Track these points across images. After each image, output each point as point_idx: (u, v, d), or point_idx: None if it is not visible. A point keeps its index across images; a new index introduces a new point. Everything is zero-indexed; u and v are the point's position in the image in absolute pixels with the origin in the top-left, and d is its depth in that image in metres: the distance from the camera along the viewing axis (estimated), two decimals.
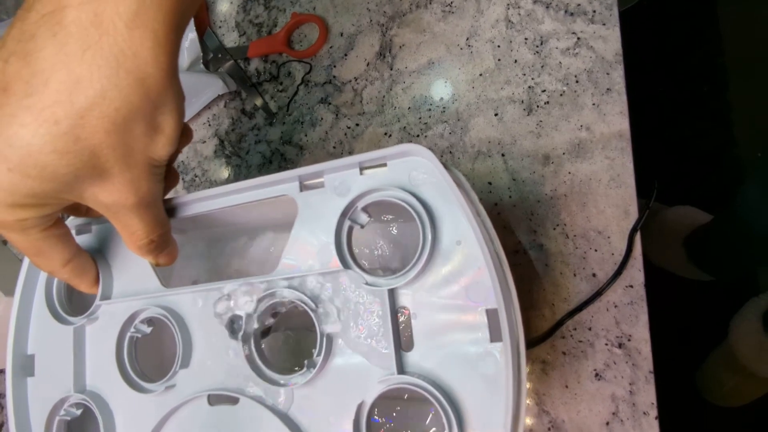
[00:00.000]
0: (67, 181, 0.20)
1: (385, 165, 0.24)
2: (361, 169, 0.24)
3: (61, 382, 0.30)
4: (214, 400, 0.26)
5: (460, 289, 0.21)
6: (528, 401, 0.37)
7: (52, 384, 0.30)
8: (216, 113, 0.52)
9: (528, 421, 0.37)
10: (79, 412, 0.30)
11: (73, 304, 0.32)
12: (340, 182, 0.24)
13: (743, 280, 0.96)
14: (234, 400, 0.25)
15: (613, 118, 0.37)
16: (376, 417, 0.27)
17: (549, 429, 0.36)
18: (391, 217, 0.30)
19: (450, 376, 0.21)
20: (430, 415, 0.26)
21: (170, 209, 0.29)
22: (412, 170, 0.23)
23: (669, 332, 0.94)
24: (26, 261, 0.32)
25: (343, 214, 0.24)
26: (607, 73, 0.38)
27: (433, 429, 0.25)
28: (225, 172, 0.51)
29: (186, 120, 0.52)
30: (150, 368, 0.29)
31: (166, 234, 0.26)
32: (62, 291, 0.32)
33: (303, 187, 0.25)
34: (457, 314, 0.21)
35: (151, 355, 0.31)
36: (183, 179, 0.52)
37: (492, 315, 0.20)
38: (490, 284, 0.20)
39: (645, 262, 0.36)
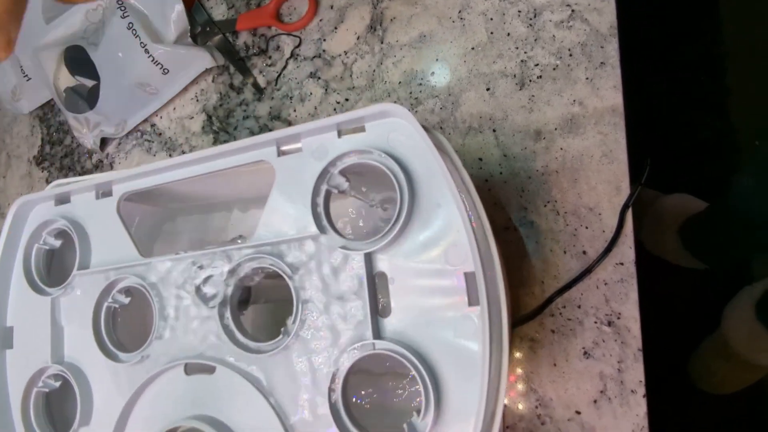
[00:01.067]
0: None
1: (363, 129, 0.23)
2: (340, 133, 0.23)
3: (39, 354, 0.29)
4: (190, 369, 0.25)
5: (438, 252, 0.21)
6: (517, 382, 0.36)
7: (29, 356, 0.30)
8: (204, 88, 0.51)
9: (515, 402, 0.36)
10: (57, 384, 0.29)
11: (51, 275, 0.32)
12: (318, 146, 0.24)
13: (737, 269, 0.95)
14: (210, 369, 0.25)
15: (606, 93, 0.36)
16: (355, 395, 0.26)
17: (536, 407, 0.36)
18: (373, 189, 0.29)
19: (427, 342, 0.21)
20: (408, 388, 0.26)
21: (141, 176, 0.28)
22: (391, 132, 0.22)
23: (662, 320, 0.94)
24: (5, 231, 0.31)
25: (320, 178, 0.23)
26: (602, 47, 0.37)
27: (413, 403, 0.25)
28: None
29: (173, 95, 0.51)
30: (132, 340, 0.29)
31: None
32: (41, 262, 0.31)
33: (280, 152, 0.25)
34: (436, 278, 0.21)
35: (133, 327, 0.31)
36: (170, 155, 0.52)
37: (470, 278, 0.20)
38: (467, 246, 0.19)
39: (640, 249, 0.35)
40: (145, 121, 0.53)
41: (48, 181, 0.59)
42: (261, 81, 0.48)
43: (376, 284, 0.22)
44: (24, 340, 0.30)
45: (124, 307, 0.28)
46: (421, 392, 0.20)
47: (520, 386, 0.36)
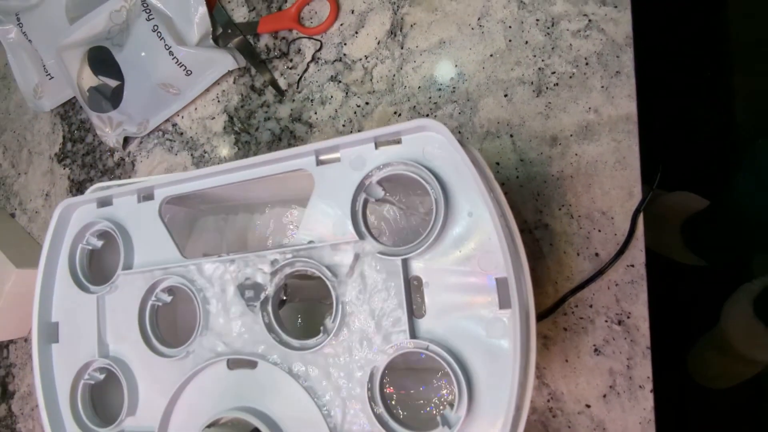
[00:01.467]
0: None
1: (399, 142, 0.25)
2: (377, 144, 0.25)
3: (85, 348, 0.31)
4: (233, 364, 0.27)
5: (471, 258, 0.22)
6: None
7: (76, 350, 0.31)
8: (225, 89, 0.52)
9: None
10: (102, 376, 0.31)
11: (94, 273, 0.33)
12: (356, 157, 0.25)
13: (737, 266, 0.97)
14: (252, 365, 0.26)
15: (621, 101, 0.38)
16: (391, 389, 0.28)
17: (548, 401, 0.38)
18: (405, 196, 0.31)
19: (460, 341, 0.22)
20: (441, 383, 0.27)
21: (183, 181, 0.30)
22: (426, 145, 0.24)
23: (663, 315, 0.96)
24: (50, 232, 0.32)
25: (359, 188, 0.25)
26: (617, 56, 0.38)
27: (444, 396, 0.26)
28: (233, 149, 0.51)
29: (196, 96, 0.52)
30: (174, 336, 0.30)
31: None
32: (84, 261, 0.33)
33: (319, 162, 0.26)
34: (468, 283, 0.22)
35: (167, 325, 0.32)
36: (192, 155, 0.53)
37: (501, 283, 0.21)
38: (500, 254, 0.21)
39: (650, 251, 0.36)
40: (167, 120, 0.54)
41: (69, 178, 0.61)
42: (282, 83, 0.50)
43: (411, 287, 0.24)
44: (69, 335, 0.32)
45: (166, 306, 0.30)
46: (455, 387, 0.22)
47: (533, 381, 0.38)
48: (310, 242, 0.25)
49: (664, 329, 0.94)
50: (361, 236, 0.25)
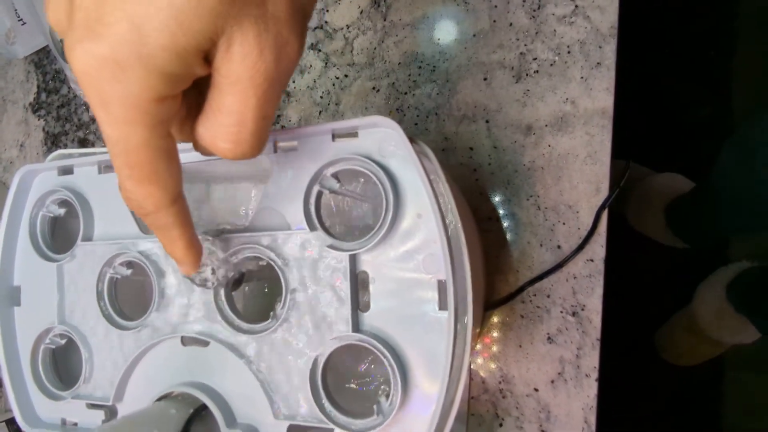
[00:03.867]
0: (204, 29, 0.16)
1: (356, 135, 0.24)
2: (334, 137, 0.25)
3: (46, 314, 0.32)
4: (186, 340, 0.28)
5: (416, 258, 0.23)
6: (483, 357, 0.40)
7: (37, 315, 0.32)
8: None
9: (482, 373, 0.40)
10: (63, 341, 0.32)
11: (58, 240, 0.33)
12: (313, 147, 0.25)
13: (716, 250, 0.99)
14: (205, 343, 0.27)
15: (598, 94, 0.37)
16: (333, 379, 0.29)
17: (500, 382, 0.39)
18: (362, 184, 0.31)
19: (400, 337, 0.23)
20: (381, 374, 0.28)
21: None
22: (382, 141, 0.24)
23: (636, 293, 0.98)
24: (10, 197, 0.32)
25: (314, 179, 0.25)
26: (600, 47, 0.37)
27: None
28: None
29: None
30: (132, 310, 0.31)
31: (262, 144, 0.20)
32: (45, 228, 0.33)
33: (277, 148, 0.26)
34: (412, 282, 0.23)
35: (132, 299, 0.33)
36: None
37: (442, 285, 0.22)
38: (441, 257, 0.21)
39: (620, 225, 0.37)
40: None
41: (44, 130, 0.59)
42: None
43: (358, 282, 0.24)
44: (31, 299, 0.32)
45: (126, 279, 0.30)
46: (390, 380, 0.23)
47: (487, 363, 0.40)
48: (264, 229, 0.26)
49: (633, 307, 0.96)
50: (312, 227, 0.25)
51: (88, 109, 0.57)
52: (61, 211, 0.32)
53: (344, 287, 0.24)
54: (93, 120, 0.56)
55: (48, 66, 0.60)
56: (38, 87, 0.60)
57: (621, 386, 0.95)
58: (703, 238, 0.95)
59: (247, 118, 0.18)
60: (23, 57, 0.60)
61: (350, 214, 0.29)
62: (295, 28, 0.17)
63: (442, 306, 0.22)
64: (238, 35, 0.16)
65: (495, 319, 0.39)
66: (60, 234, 0.34)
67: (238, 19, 0.16)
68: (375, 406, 0.23)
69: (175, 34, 0.15)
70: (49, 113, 0.59)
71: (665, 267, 1.01)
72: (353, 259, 0.24)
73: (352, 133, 0.24)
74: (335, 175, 0.25)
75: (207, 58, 0.17)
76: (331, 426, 0.24)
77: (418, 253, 0.23)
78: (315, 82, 0.46)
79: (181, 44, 0.16)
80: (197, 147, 0.20)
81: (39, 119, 0.60)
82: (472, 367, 0.40)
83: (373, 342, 0.23)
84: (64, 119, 0.58)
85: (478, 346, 0.40)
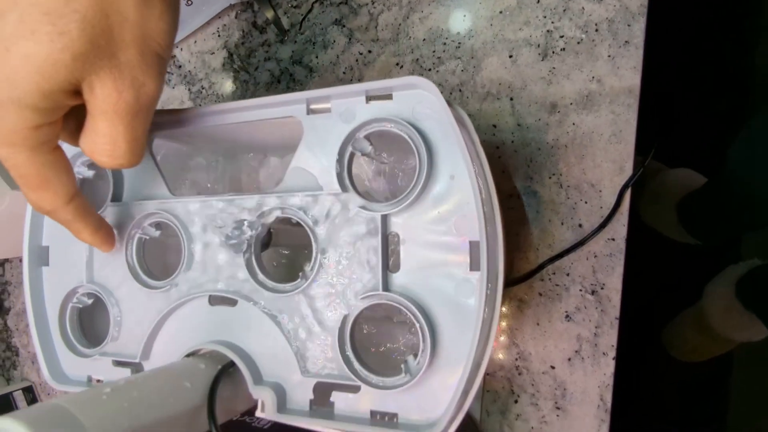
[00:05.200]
0: (70, 67, 0.19)
1: (390, 97, 0.24)
2: (368, 98, 0.25)
3: (74, 274, 0.32)
4: (214, 300, 0.28)
5: (448, 220, 0.23)
6: (501, 336, 0.40)
7: (65, 274, 0.32)
8: (227, 24, 0.51)
9: (498, 350, 0.40)
10: (90, 301, 0.32)
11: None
12: (346, 109, 0.25)
13: (727, 247, 0.98)
14: (232, 302, 0.28)
15: (625, 73, 0.37)
16: (362, 338, 0.29)
17: (516, 359, 0.40)
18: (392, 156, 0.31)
19: (430, 297, 0.23)
20: (409, 335, 0.29)
21: (177, 121, 0.29)
22: (417, 104, 0.24)
23: (647, 288, 0.98)
24: None
25: (346, 141, 0.25)
26: (629, 25, 0.37)
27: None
28: (232, 87, 0.50)
29: (196, 27, 0.51)
30: (158, 272, 0.31)
31: (136, 160, 0.24)
32: None
33: (310, 111, 0.26)
34: (443, 243, 0.23)
35: (157, 261, 0.33)
36: (189, 90, 0.52)
37: (474, 246, 0.22)
38: (475, 218, 0.21)
39: (635, 220, 0.37)
40: None
41: None
42: (285, 22, 0.48)
43: (388, 242, 0.24)
44: (59, 260, 0.33)
45: (154, 241, 0.31)
46: (420, 339, 0.23)
47: (504, 341, 0.40)
48: (295, 190, 0.26)
49: (644, 302, 0.96)
50: (344, 188, 0.25)
51: None
52: (91, 173, 0.33)
53: (375, 248, 0.24)
54: None
55: None
56: None
57: (628, 380, 0.95)
58: (714, 234, 0.94)
59: (118, 140, 0.22)
60: None
61: (381, 183, 0.29)
62: (149, 71, 0.21)
63: (474, 267, 0.22)
64: (96, 81, 0.20)
65: (513, 297, 0.40)
66: (88, 196, 0.34)
67: (94, 69, 0.20)
68: (402, 365, 0.24)
69: (39, 82, 0.19)
70: None
71: (676, 263, 1.00)
72: (384, 220, 0.24)
73: (387, 96, 0.24)
74: (368, 138, 0.25)
75: (78, 91, 0.21)
76: (359, 383, 0.24)
77: (450, 214, 0.23)
78: (338, 57, 0.46)
79: (46, 89, 0.20)
80: (88, 156, 0.24)
81: None
82: None
83: (402, 301, 0.23)
84: None
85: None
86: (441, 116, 0.23)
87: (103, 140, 0.22)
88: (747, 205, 0.68)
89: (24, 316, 0.63)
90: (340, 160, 0.25)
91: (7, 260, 0.64)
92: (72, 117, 0.24)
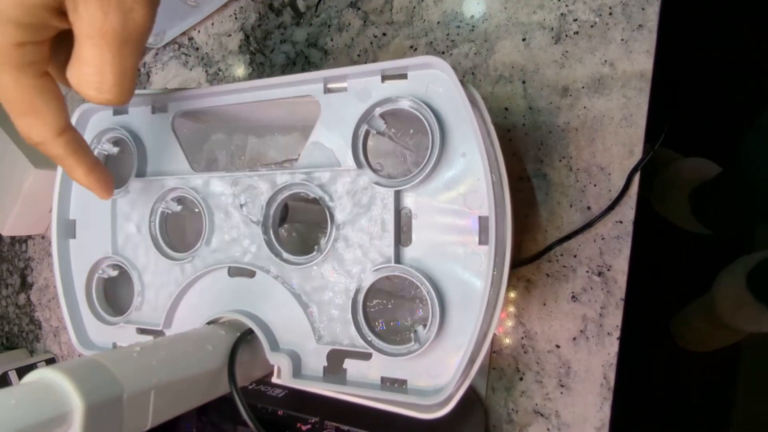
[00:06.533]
0: None
1: (405, 77, 0.25)
2: (383, 78, 0.26)
3: (100, 246, 0.34)
4: (233, 272, 0.30)
5: (458, 195, 0.24)
6: (508, 316, 0.41)
7: (91, 246, 0.34)
8: (243, 6, 0.51)
9: (504, 332, 0.41)
10: (115, 273, 0.34)
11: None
12: (362, 88, 0.26)
13: (739, 238, 0.98)
14: (251, 273, 0.29)
15: (638, 57, 0.37)
16: (374, 310, 0.30)
17: (522, 338, 0.41)
18: (410, 131, 0.32)
19: (439, 269, 0.24)
20: (419, 308, 0.30)
21: (197, 98, 0.31)
22: (430, 83, 0.25)
23: (658, 274, 0.98)
24: None
25: (362, 119, 0.26)
26: (643, 9, 0.37)
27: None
28: (248, 69, 0.51)
29: (213, 10, 0.51)
30: (180, 245, 0.33)
31: (127, 96, 0.23)
32: None
33: (327, 90, 0.27)
34: (453, 218, 0.24)
35: (178, 236, 0.35)
36: (206, 71, 0.53)
37: (483, 221, 0.23)
38: (485, 194, 0.22)
39: (643, 211, 0.37)
40: (184, 34, 0.54)
41: None
42: (300, 5, 0.49)
43: (401, 217, 0.25)
44: (85, 233, 0.34)
45: (176, 215, 0.32)
46: (429, 310, 0.24)
47: (511, 319, 0.41)
48: (312, 167, 0.27)
49: (652, 289, 0.96)
50: (359, 165, 0.26)
51: None
52: (116, 149, 0.34)
53: (388, 222, 0.25)
54: None
55: None
56: None
57: (650, 386, 0.96)
58: (726, 225, 0.94)
59: (106, 71, 0.21)
60: None
61: (395, 162, 0.30)
62: None
63: (483, 241, 0.23)
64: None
65: (520, 277, 0.40)
66: (113, 172, 0.35)
67: None
68: (412, 334, 0.25)
69: None
70: None
71: (688, 253, 1.00)
72: (398, 195, 0.25)
73: (402, 75, 0.25)
74: (383, 116, 0.26)
75: (63, 12, 0.20)
76: (370, 350, 0.25)
77: (460, 191, 0.24)
78: (353, 40, 0.47)
79: (28, 2, 0.19)
80: (75, 91, 0.23)
81: None
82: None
83: (413, 273, 0.24)
84: None
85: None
86: (454, 95, 0.24)
87: (89, 70, 0.21)
88: (760, 195, 0.67)
89: (46, 291, 0.66)
90: (355, 138, 0.26)
91: (30, 237, 0.66)
92: (62, 49, 0.23)
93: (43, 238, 0.65)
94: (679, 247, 0.99)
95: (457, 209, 0.24)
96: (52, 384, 0.18)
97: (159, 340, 0.24)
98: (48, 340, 0.66)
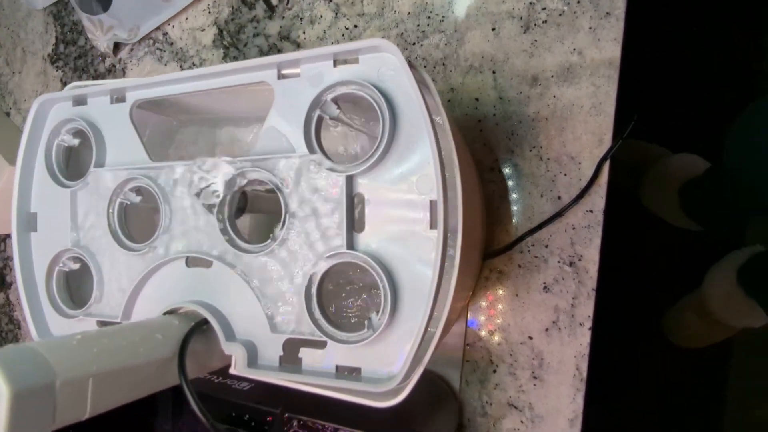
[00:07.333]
0: None
1: (357, 61, 0.25)
2: (335, 62, 0.25)
3: (60, 238, 0.33)
4: (191, 262, 0.29)
5: (410, 180, 0.23)
6: (479, 306, 0.40)
7: (51, 239, 0.34)
8: (216, 0, 0.51)
9: (477, 324, 0.41)
10: (76, 266, 0.34)
11: (71, 171, 0.35)
12: (315, 73, 0.26)
13: (730, 233, 0.98)
14: (208, 264, 0.28)
15: (606, 45, 0.37)
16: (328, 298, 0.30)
17: (495, 330, 0.40)
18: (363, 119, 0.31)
19: (392, 255, 0.24)
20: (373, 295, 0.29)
21: (154, 86, 0.30)
22: (382, 66, 0.24)
23: (647, 274, 0.98)
24: (28, 125, 0.34)
25: (314, 104, 0.25)
26: None
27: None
28: (222, 63, 0.51)
29: (187, 4, 0.51)
30: (140, 237, 0.32)
31: None
32: (60, 157, 0.34)
33: (281, 75, 0.27)
34: (406, 203, 0.24)
35: (141, 227, 0.34)
36: (181, 66, 0.53)
37: (433, 205, 0.23)
38: (434, 178, 0.22)
39: (612, 200, 0.37)
40: (158, 29, 0.54)
41: (62, 81, 0.61)
42: None
43: (354, 203, 0.25)
44: (46, 225, 0.34)
45: (134, 207, 0.32)
46: (381, 296, 0.24)
47: (484, 311, 0.40)
48: (266, 153, 0.26)
49: (643, 289, 0.96)
50: (312, 150, 0.26)
51: (104, 59, 0.58)
52: (75, 141, 0.34)
53: (340, 208, 0.25)
54: (108, 71, 0.58)
55: (66, 17, 0.61)
56: (56, 38, 0.62)
57: (626, 368, 0.96)
58: (716, 220, 0.93)
59: None
60: (42, 8, 0.61)
61: (352, 146, 0.29)
62: None
63: (433, 225, 0.23)
64: None
65: (492, 269, 0.40)
66: (73, 165, 0.35)
67: None
68: (366, 321, 0.24)
69: None
70: (67, 64, 0.61)
71: (678, 249, 1.00)
72: (350, 181, 0.25)
73: (353, 60, 0.25)
74: (335, 101, 0.25)
75: None
76: (324, 339, 0.25)
77: (412, 175, 0.24)
78: (325, 32, 0.46)
79: None
80: None
81: (57, 70, 0.61)
82: (468, 315, 0.41)
83: (365, 259, 0.24)
84: (80, 70, 0.60)
85: (475, 296, 0.41)
86: (403, 78, 0.23)
87: None
88: (747, 191, 0.67)
89: None
90: (307, 123, 0.25)
91: (8, 236, 0.66)
92: None
93: None
94: (669, 243, 0.98)
95: (408, 194, 0.24)
96: None
97: (104, 329, 0.23)
98: (27, 340, 0.65)
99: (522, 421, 0.39)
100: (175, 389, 0.26)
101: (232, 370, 0.27)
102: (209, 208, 0.28)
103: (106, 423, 0.33)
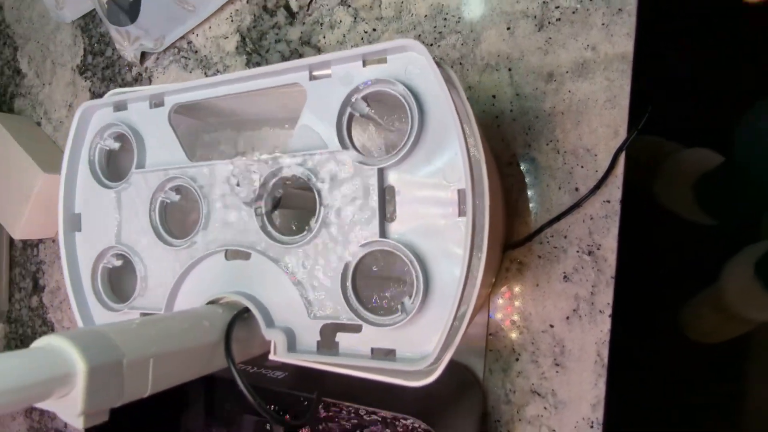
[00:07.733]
0: None
1: (385, 61, 0.26)
2: (364, 63, 0.27)
3: (104, 237, 0.35)
4: (230, 255, 0.31)
5: (438, 170, 0.25)
6: (501, 297, 0.42)
7: (96, 238, 0.36)
8: (239, 9, 0.53)
9: (499, 314, 0.42)
10: (119, 262, 0.36)
11: (111, 173, 0.37)
12: (345, 74, 0.27)
13: (745, 227, 0.97)
14: (246, 256, 0.30)
15: (619, 39, 0.38)
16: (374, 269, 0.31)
17: (517, 319, 0.41)
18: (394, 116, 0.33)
19: (423, 242, 0.25)
20: (405, 284, 0.31)
21: (188, 92, 0.32)
22: (409, 65, 0.26)
23: (663, 270, 0.98)
24: (72, 131, 0.36)
25: (345, 102, 0.27)
26: None
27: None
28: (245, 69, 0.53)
29: (210, 13, 0.53)
30: (179, 233, 0.34)
31: None
32: (102, 160, 0.36)
33: (312, 77, 0.28)
34: (434, 192, 0.25)
35: (178, 224, 0.36)
36: (205, 73, 0.55)
37: (461, 194, 0.24)
38: (461, 167, 0.24)
39: (629, 191, 0.38)
40: (183, 38, 0.56)
41: (91, 91, 0.64)
42: (293, 5, 0.50)
43: (385, 194, 0.26)
44: (90, 225, 0.36)
45: (175, 205, 0.34)
46: (414, 281, 0.25)
47: (505, 302, 0.42)
48: (301, 150, 0.28)
49: (661, 284, 0.96)
50: (344, 146, 0.27)
51: (131, 69, 0.60)
52: (116, 145, 0.36)
53: (373, 199, 0.26)
54: (135, 80, 0.60)
55: (94, 29, 0.63)
56: (84, 50, 0.64)
57: (643, 365, 0.95)
58: (731, 214, 0.93)
59: None
60: (71, 21, 0.64)
61: (381, 141, 0.31)
62: None
63: (461, 212, 0.24)
64: None
65: (513, 260, 0.41)
66: (114, 168, 0.37)
67: None
68: (399, 306, 0.26)
69: None
70: (95, 74, 0.63)
71: (693, 244, 1.00)
72: (381, 174, 0.26)
73: (382, 59, 0.27)
74: (365, 99, 0.27)
75: None
76: (360, 323, 0.26)
77: (440, 165, 0.25)
78: (344, 36, 0.48)
79: None
80: None
81: (86, 80, 0.64)
82: (490, 306, 0.42)
83: (398, 246, 0.25)
84: (108, 80, 0.62)
85: (496, 287, 0.42)
86: (430, 75, 0.25)
87: None
88: (761, 185, 0.67)
89: (58, 293, 0.68)
90: (339, 120, 0.27)
91: (41, 241, 0.68)
92: None
93: (53, 241, 0.67)
94: (685, 239, 0.98)
95: (437, 184, 0.25)
96: (58, 348, 0.19)
97: (158, 316, 0.25)
98: None
99: (545, 408, 0.40)
100: (207, 389, 0.28)
101: (271, 356, 0.28)
102: (247, 201, 0.30)
103: (137, 419, 0.35)
